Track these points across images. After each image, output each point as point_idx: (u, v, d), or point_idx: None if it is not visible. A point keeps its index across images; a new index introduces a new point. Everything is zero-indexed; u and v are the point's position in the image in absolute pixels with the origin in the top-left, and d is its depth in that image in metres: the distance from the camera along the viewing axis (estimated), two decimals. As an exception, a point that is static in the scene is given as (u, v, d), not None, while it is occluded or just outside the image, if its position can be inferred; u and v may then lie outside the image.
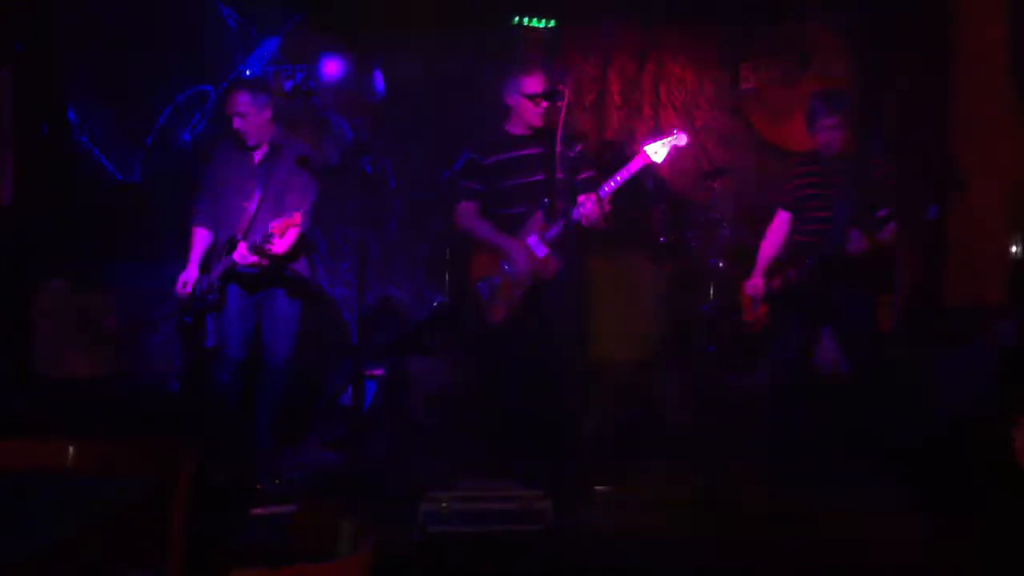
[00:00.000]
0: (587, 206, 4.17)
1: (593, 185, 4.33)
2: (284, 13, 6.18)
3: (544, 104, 4.25)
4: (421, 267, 6.47)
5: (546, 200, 4.13)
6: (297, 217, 4.26)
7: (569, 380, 4.25)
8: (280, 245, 4.28)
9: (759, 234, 4.90)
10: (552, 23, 6.62)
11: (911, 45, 6.24)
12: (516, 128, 4.35)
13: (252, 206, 4.47)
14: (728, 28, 6.80)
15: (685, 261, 6.03)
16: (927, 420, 4.65)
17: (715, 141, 6.80)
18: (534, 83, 4.29)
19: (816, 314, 4.50)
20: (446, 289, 6.00)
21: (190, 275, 4.54)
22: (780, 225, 4.72)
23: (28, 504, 2.04)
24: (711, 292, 5.93)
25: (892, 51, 6.40)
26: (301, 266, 4.60)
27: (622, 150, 6.34)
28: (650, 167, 4.36)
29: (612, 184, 4.28)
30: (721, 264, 5.91)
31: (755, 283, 4.66)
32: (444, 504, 3.61)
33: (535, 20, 6.55)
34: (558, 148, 4.04)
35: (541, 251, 4.30)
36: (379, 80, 6.44)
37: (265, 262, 4.39)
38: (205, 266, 4.59)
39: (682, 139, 4.41)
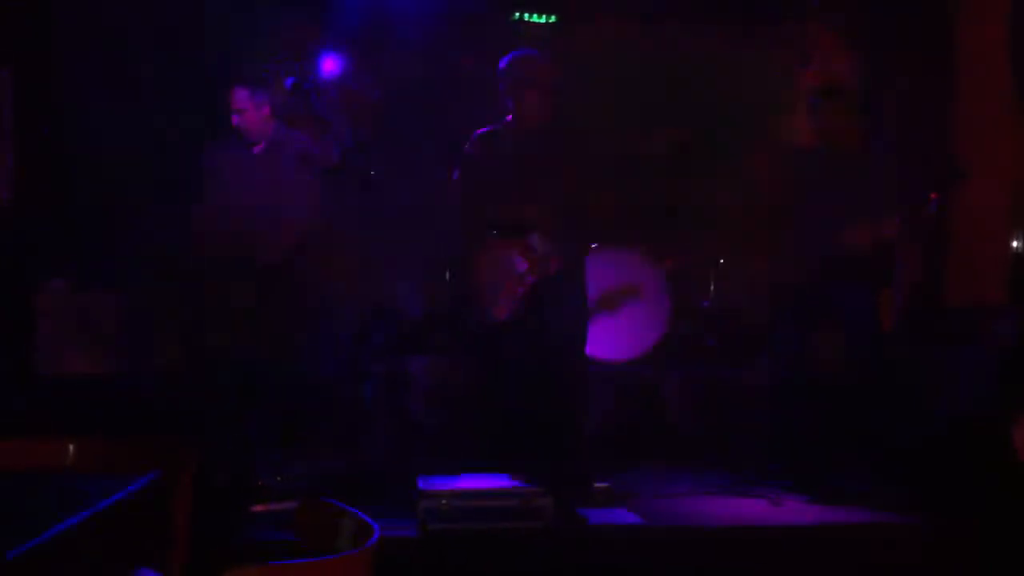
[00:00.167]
0: (586, 205, 4.17)
1: (591, 183, 4.32)
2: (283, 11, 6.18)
3: (542, 84, 4.22)
4: (421, 266, 6.47)
5: (546, 199, 4.12)
6: (306, 220, 4.28)
7: (569, 379, 4.24)
8: (285, 244, 4.30)
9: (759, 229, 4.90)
10: (553, 18, 6.62)
11: (912, 45, 6.24)
12: (518, 121, 4.34)
13: (254, 202, 4.47)
14: (724, 26, 6.80)
15: (685, 257, 6.03)
16: (927, 420, 4.65)
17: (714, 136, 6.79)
18: (529, 67, 4.28)
19: (815, 309, 4.50)
20: (446, 288, 5.99)
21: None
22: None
23: (28, 504, 2.04)
24: (711, 288, 5.93)
25: (893, 51, 6.40)
26: (302, 264, 4.61)
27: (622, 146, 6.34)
28: (649, 162, 4.37)
29: (609, 182, 4.28)
30: (722, 260, 5.91)
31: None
32: (444, 502, 3.61)
33: (535, 16, 6.55)
34: (555, 148, 4.04)
35: (543, 248, 4.30)
36: (379, 78, 6.44)
37: (270, 259, 4.40)
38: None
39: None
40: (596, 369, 5.39)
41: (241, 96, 4.48)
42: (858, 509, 4.08)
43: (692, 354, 5.79)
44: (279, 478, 4.36)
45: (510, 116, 4.36)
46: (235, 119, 4.47)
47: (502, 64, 4.33)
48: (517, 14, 6.53)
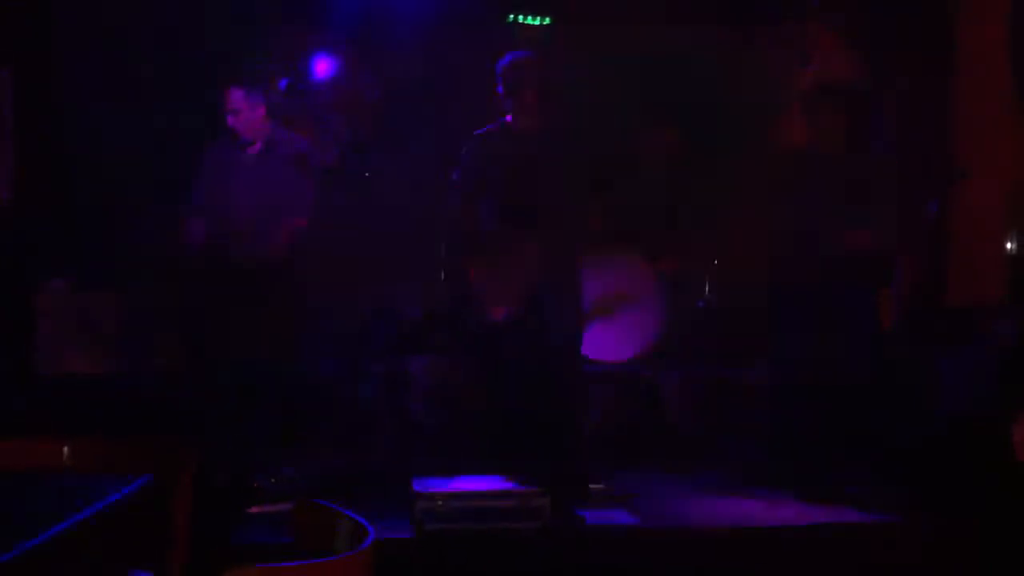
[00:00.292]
0: (585, 205, 4.17)
1: (590, 184, 4.32)
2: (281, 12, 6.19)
3: (537, 81, 4.22)
4: (420, 266, 6.47)
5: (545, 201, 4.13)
6: (304, 219, 4.28)
7: (567, 380, 4.24)
8: (280, 244, 4.29)
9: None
10: (547, 20, 6.62)
11: (912, 45, 6.24)
12: (517, 121, 4.34)
13: (249, 204, 4.47)
14: (724, 26, 6.80)
15: (682, 257, 6.03)
16: (927, 420, 4.65)
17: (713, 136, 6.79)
18: (524, 64, 4.28)
19: (814, 308, 4.49)
20: (444, 288, 6.00)
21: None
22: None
23: (28, 504, 2.04)
24: (706, 288, 5.94)
25: (893, 51, 6.40)
26: (299, 264, 4.61)
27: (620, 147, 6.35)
28: (647, 164, 4.37)
29: (609, 183, 4.28)
30: (716, 260, 5.91)
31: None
32: (441, 502, 3.61)
33: (530, 18, 6.56)
34: (553, 149, 4.04)
35: (539, 250, 4.30)
36: (376, 78, 6.44)
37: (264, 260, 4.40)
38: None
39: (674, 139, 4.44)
40: (596, 369, 5.40)
41: (236, 97, 4.48)
42: (857, 509, 4.08)
43: (692, 354, 5.79)
44: (273, 479, 4.36)
45: (508, 117, 4.36)
46: (230, 120, 4.48)
47: (499, 66, 4.34)
48: (512, 16, 6.54)
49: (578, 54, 6.62)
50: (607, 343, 5.63)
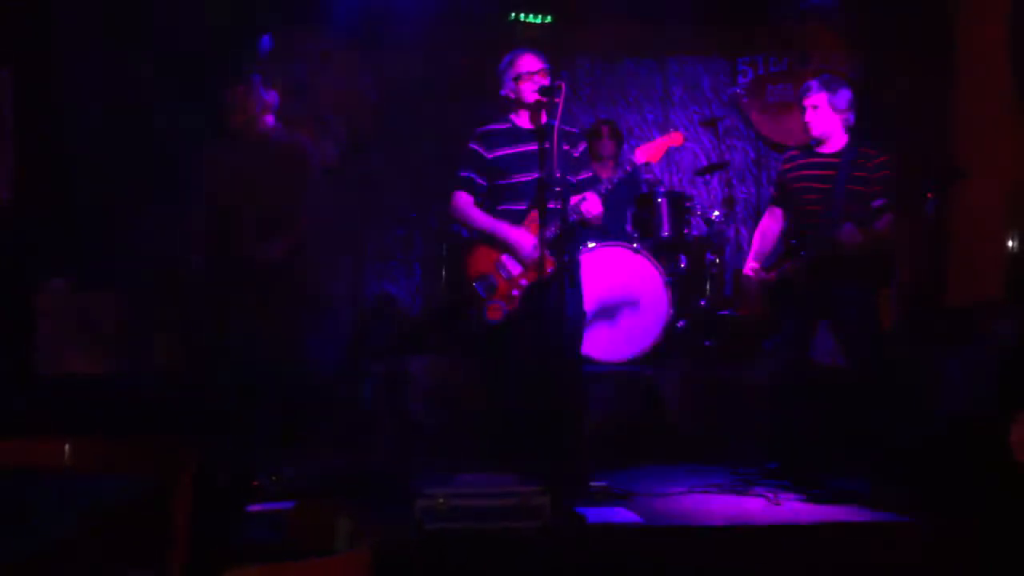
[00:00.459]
0: (584, 206, 4.17)
1: (590, 184, 4.32)
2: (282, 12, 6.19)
3: (539, 79, 4.22)
4: (419, 265, 6.48)
5: (545, 200, 4.12)
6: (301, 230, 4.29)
7: (566, 379, 4.24)
8: (281, 247, 4.30)
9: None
10: (549, 19, 6.63)
11: (912, 44, 6.24)
12: (520, 119, 4.35)
13: (249, 201, 4.48)
14: (724, 24, 6.81)
15: (684, 255, 6.04)
16: (927, 419, 4.65)
17: (712, 135, 6.81)
18: (527, 62, 4.29)
19: (813, 308, 4.49)
20: (444, 287, 6.00)
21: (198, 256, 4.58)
22: (772, 220, 4.72)
23: (28, 504, 2.04)
24: (708, 287, 5.94)
25: (893, 51, 6.41)
26: (300, 264, 4.61)
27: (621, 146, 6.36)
28: (647, 166, 4.35)
29: (608, 184, 4.28)
30: (718, 260, 5.92)
31: (752, 266, 4.65)
32: (441, 501, 3.60)
33: (531, 16, 6.56)
34: (555, 147, 4.03)
35: (537, 251, 4.30)
36: (376, 78, 6.45)
37: (266, 260, 4.40)
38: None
39: (677, 139, 4.41)
40: (596, 369, 5.40)
41: (238, 95, 4.49)
42: (858, 509, 4.08)
43: (692, 354, 5.80)
44: (274, 478, 4.36)
45: (512, 115, 4.37)
46: (232, 118, 4.49)
47: (502, 64, 4.34)
48: (513, 14, 6.55)
49: (579, 52, 6.64)
50: (607, 343, 5.64)
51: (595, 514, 3.92)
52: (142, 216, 5.77)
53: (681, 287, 5.86)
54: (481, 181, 4.34)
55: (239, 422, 4.51)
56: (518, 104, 4.32)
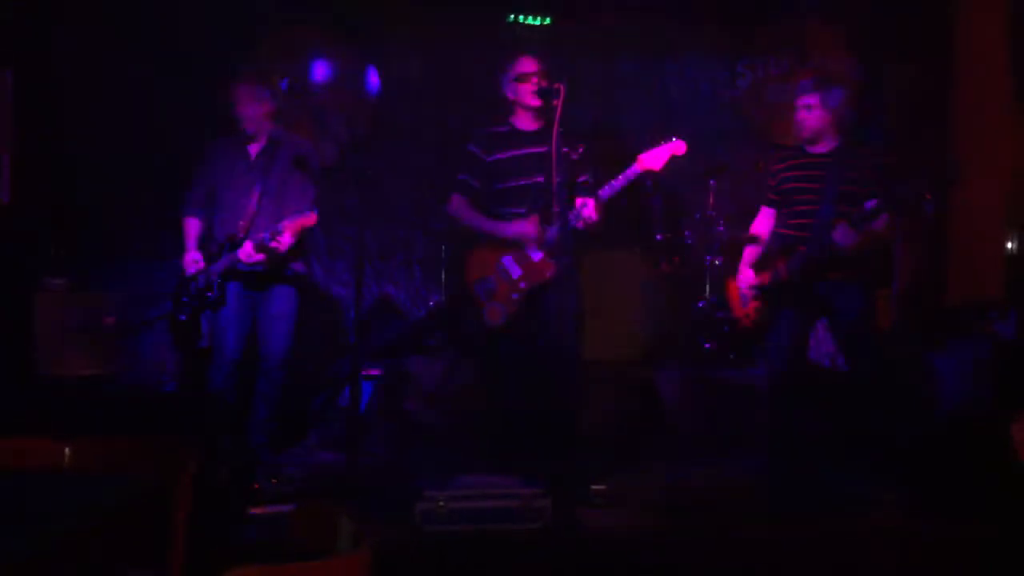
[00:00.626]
0: (585, 211, 4.17)
1: (591, 189, 4.32)
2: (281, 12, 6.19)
3: (538, 81, 4.22)
4: (419, 266, 6.47)
5: (546, 202, 4.13)
6: (313, 217, 4.29)
7: (568, 379, 4.24)
8: (285, 243, 4.29)
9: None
10: (548, 20, 6.63)
11: (911, 44, 6.24)
12: (520, 121, 4.34)
13: (252, 203, 4.47)
14: (725, 25, 6.81)
15: (682, 258, 6.04)
16: (926, 418, 4.65)
17: (712, 138, 6.82)
18: (525, 63, 4.29)
19: (810, 308, 4.49)
20: (443, 288, 6.00)
21: (192, 256, 4.56)
22: (763, 220, 4.71)
23: (28, 504, 2.04)
24: (707, 289, 5.94)
25: (892, 50, 6.41)
26: (299, 264, 4.61)
27: (621, 150, 6.36)
28: (648, 172, 4.35)
29: (609, 190, 4.28)
30: (718, 261, 5.91)
31: (746, 275, 4.65)
32: (441, 503, 3.60)
33: (531, 17, 6.56)
34: (554, 149, 4.03)
35: (537, 255, 4.30)
36: (376, 78, 6.44)
37: (267, 259, 4.40)
38: (203, 252, 4.60)
39: (680, 147, 4.41)
40: (595, 369, 5.40)
41: (244, 92, 4.50)
42: (857, 509, 4.08)
43: (692, 354, 5.80)
44: (274, 480, 4.36)
45: (512, 117, 4.37)
46: (235, 111, 4.50)
47: (502, 66, 4.35)
48: (513, 16, 6.54)
49: (578, 53, 6.64)
50: (607, 343, 5.64)
51: (595, 516, 3.92)
52: (142, 216, 5.78)
53: (679, 289, 5.86)
54: (476, 183, 4.34)
55: (239, 422, 4.52)
56: (517, 106, 4.32)
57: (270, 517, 3.87)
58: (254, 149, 4.59)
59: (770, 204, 4.69)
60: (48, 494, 2.11)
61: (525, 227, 4.23)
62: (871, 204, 4.33)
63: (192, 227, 4.64)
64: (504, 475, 3.83)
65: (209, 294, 4.49)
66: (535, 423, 4.13)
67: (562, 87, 4.12)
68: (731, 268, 5.63)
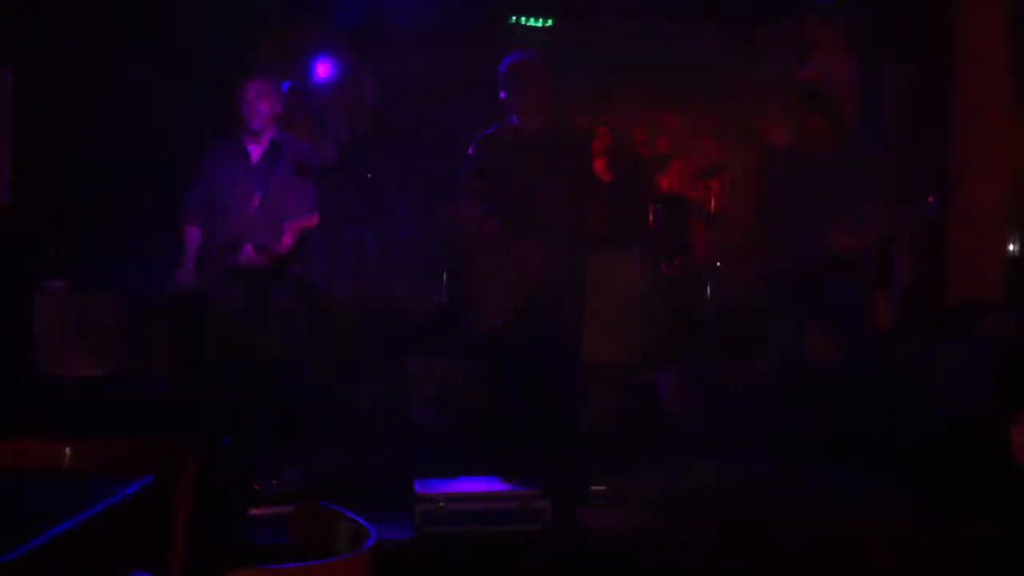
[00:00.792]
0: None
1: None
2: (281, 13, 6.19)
3: (537, 82, 4.22)
4: (420, 267, 6.47)
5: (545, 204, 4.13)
6: (315, 219, 4.30)
7: (568, 380, 4.24)
8: (286, 245, 4.29)
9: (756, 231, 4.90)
10: (550, 22, 6.62)
11: (911, 44, 6.24)
12: (520, 122, 4.34)
13: (252, 207, 4.48)
14: (724, 25, 6.81)
15: (682, 260, 6.03)
16: (926, 419, 4.64)
17: (712, 139, 6.82)
18: (524, 65, 4.28)
19: (807, 308, 4.49)
20: (445, 289, 6.00)
21: (186, 271, 4.56)
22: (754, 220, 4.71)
23: (28, 504, 2.04)
24: (708, 290, 5.93)
25: (892, 50, 6.40)
26: (299, 265, 4.61)
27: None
28: (647, 174, 4.36)
29: (609, 195, 4.29)
30: (719, 262, 5.91)
31: (737, 275, 4.66)
32: (441, 504, 3.60)
33: (532, 19, 6.55)
34: (551, 149, 4.04)
35: (540, 251, 4.30)
36: (377, 79, 6.44)
37: (268, 262, 4.40)
38: (199, 264, 4.60)
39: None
40: (595, 370, 5.39)
41: (252, 87, 4.51)
42: (858, 509, 4.08)
43: (692, 354, 5.79)
44: (274, 481, 4.36)
45: (512, 118, 4.37)
46: (243, 107, 4.51)
47: (502, 67, 4.34)
48: (514, 18, 6.54)
49: (579, 55, 6.64)
50: (607, 344, 5.64)
51: (595, 517, 3.92)
52: (142, 216, 5.77)
53: (680, 288, 5.85)
54: (482, 186, 4.34)
55: (239, 422, 4.51)
56: (517, 107, 4.31)
57: (270, 518, 3.87)
58: (255, 152, 4.59)
59: (760, 204, 4.69)
60: (48, 494, 2.11)
61: (522, 241, 4.23)
62: (865, 205, 4.34)
63: (192, 237, 4.64)
64: (504, 476, 3.83)
65: (208, 294, 4.50)
66: (535, 424, 4.13)
67: (562, 87, 4.13)
68: (733, 268, 5.63)
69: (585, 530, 3.78)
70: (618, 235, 5.91)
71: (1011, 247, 5.83)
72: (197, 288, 4.52)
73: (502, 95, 4.34)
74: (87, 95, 5.87)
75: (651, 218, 5.91)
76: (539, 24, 6.59)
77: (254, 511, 3.96)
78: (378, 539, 1.78)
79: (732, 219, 5.97)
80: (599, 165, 6.14)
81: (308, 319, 4.79)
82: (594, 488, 4.21)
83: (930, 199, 4.10)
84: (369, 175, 4.57)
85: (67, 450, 2.39)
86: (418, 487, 3.72)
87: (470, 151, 4.38)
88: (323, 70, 6.33)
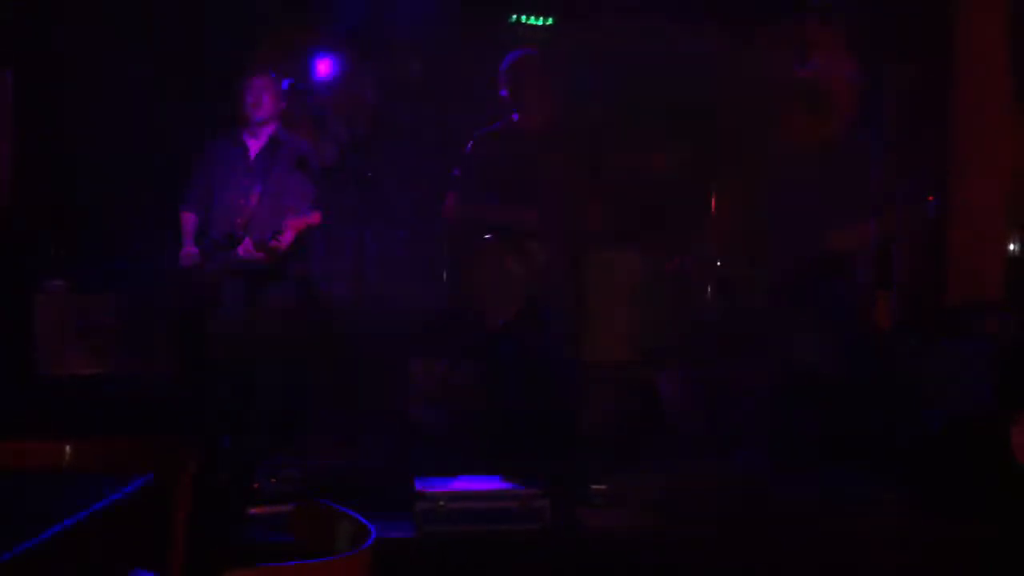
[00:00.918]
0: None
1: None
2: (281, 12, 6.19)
3: (537, 80, 4.22)
4: (420, 267, 6.47)
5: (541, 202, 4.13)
6: (317, 216, 4.30)
7: (567, 379, 4.24)
8: (286, 242, 4.29)
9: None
10: (550, 21, 6.62)
11: (911, 44, 6.24)
12: (520, 120, 4.34)
13: (251, 203, 4.48)
14: (724, 26, 6.81)
15: (683, 259, 6.03)
16: (926, 419, 4.64)
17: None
18: (523, 63, 4.28)
19: (802, 308, 4.49)
20: (445, 288, 5.99)
21: (189, 250, 4.56)
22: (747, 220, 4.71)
23: (28, 504, 2.04)
24: (708, 289, 5.93)
25: (892, 50, 6.40)
26: (299, 263, 4.62)
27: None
28: None
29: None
30: (719, 262, 5.91)
31: (727, 277, 4.67)
32: (441, 503, 3.60)
33: (533, 18, 6.56)
34: (551, 149, 4.04)
35: (539, 254, 4.30)
36: (377, 79, 6.44)
37: (267, 259, 4.40)
38: (201, 247, 4.61)
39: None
40: (595, 370, 5.39)
41: (258, 83, 4.52)
42: (858, 509, 4.08)
43: (692, 354, 5.78)
44: (273, 480, 4.36)
45: (512, 116, 4.36)
46: (249, 99, 4.52)
47: (503, 65, 4.34)
48: (514, 16, 6.54)
49: (580, 53, 6.64)
50: (606, 344, 5.63)
51: (595, 516, 3.92)
52: (142, 216, 5.77)
53: (681, 288, 5.84)
54: (473, 181, 4.33)
55: (238, 422, 4.52)
56: (517, 105, 4.31)
57: (270, 517, 3.86)
58: (254, 147, 4.60)
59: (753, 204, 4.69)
60: (48, 494, 2.11)
61: (526, 212, 4.21)
62: (859, 204, 4.35)
63: (189, 221, 4.66)
64: (504, 475, 3.83)
65: (206, 292, 4.50)
66: (535, 423, 4.13)
67: (561, 86, 4.13)
68: (735, 268, 5.63)
69: (585, 530, 3.78)
70: (618, 233, 5.91)
71: (1011, 247, 5.82)
72: (199, 268, 4.52)
73: (502, 93, 4.33)
74: (87, 95, 5.86)
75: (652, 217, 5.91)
76: (539, 23, 6.59)
77: (254, 510, 3.96)
78: (378, 538, 1.77)
79: (732, 219, 5.97)
80: None
81: (308, 319, 4.79)
82: (594, 487, 4.21)
83: (929, 198, 4.10)
84: (369, 174, 4.57)
85: (67, 450, 2.39)
86: (418, 486, 3.72)
87: (468, 148, 4.37)
88: (323, 69, 6.33)
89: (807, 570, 3.62)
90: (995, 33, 5.71)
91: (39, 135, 5.68)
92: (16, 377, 5.03)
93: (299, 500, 2.10)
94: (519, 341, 4.26)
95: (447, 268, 5.95)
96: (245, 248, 4.33)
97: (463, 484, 3.74)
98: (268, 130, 4.57)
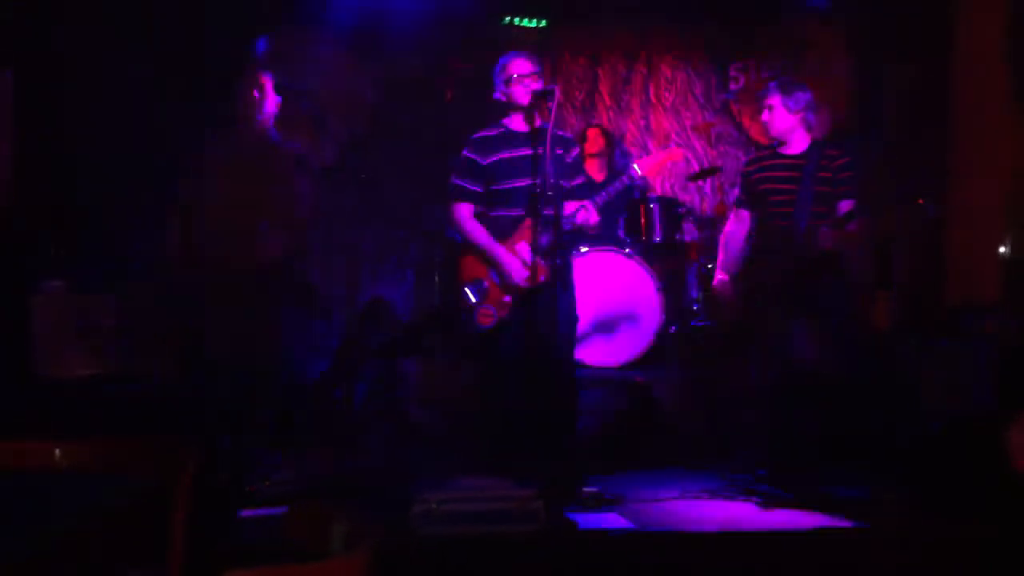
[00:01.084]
0: (580, 216, 4.17)
1: (585, 192, 4.32)
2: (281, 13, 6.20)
3: (531, 83, 4.21)
4: (413, 267, 6.47)
5: (539, 206, 4.12)
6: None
7: (564, 381, 4.24)
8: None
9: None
10: (544, 23, 6.63)
11: (911, 44, 6.24)
12: (514, 122, 4.34)
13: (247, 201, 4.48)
14: (724, 26, 6.81)
15: (676, 261, 6.04)
16: (926, 420, 4.64)
17: (705, 141, 6.83)
18: (520, 65, 4.27)
19: (793, 310, 4.48)
20: (437, 290, 6.00)
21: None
22: (738, 223, 4.70)
23: (28, 504, 2.04)
24: (700, 293, 5.94)
25: (892, 50, 6.41)
26: (300, 265, 4.62)
27: (615, 152, 6.38)
28: (644, 179, 4.36)
29: (605, 196, 4.28)
30: (710, 265, 5.92)
31: (721, 278, 4.67)
32: (435, 505, 3.60)
33: (526, 20, 6.56)
34: (548, 151, 4.03)
35: (530, 258, 4.29)
36: (374, 80, 6.45)
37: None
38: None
39: (677, 155, 4.46)
40: (590, 373, 5.39)
41: (250, 89, 4.53)
42: (856, 510, 4.08)
43: (686, 358, 5.79)
44: (267, 482, 4.36)
45: (506, 119, 4.36)
46: (255, 93, 4.53)
47: (497, 67, 4.33)
48: (508, 18, 6.55)
49: (574, 55, 6.65)
50: (601, 348, 5.65)
51: (586, 519, 3.91)
52: (141, 217, 5.77)
53: (674, 292, 5.86)
54: (476, 188, 4.32)
55: (236, 423, 4.51)
56: (511, 107, 4.30)
57: (265, 519, 3.86)
58: (253, 148, 4.59)
59: (743, 205, 4.68)
60: (48, 494, 2.11)
61: (514, 264, 4.22)
62: (845, 205, 4.34)
63: (187, 225, 4.65)
64: (500, 477, 3.83)
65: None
66: (532, 424, 4.13)
67: (556, 89, 4.12)
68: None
69: (576, 532, 3.78)
70: (611, 237, 5.91)
71: (1011, 247, 5.82)
72: None
73: (496, 95, 4.33)
74: (87, 95, 5.87)
75: (643, 219, 5.91)
76: (533, 24, 6.59)
77: (250, 511, 3.96)
78: (373, 539, 1.77)
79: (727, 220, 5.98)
80: (592, 166, 6.15)
81: (307, 319, 4.79)
82: (591, 489, 4.21)
83: (919, 200, 4.09)
84: (363, 176, 4.56)
85: (66, 450, 2.39)
86: (414, 487, 3.72)
87: (464, 152, 4.36)
88: (322, 69, 6.33)
89: (807, 570, 3.62)
90: (995, 33, 5.72)
91: (39, 135, 5.68)
92: (15, 378, 5.03)
93: (296, 501, 2.10)
94: (512, 344, 4.25)
95: (440, 270, 5.96)
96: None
97: (459, 485, 3.74)
98: (271, 123, 4.58)
